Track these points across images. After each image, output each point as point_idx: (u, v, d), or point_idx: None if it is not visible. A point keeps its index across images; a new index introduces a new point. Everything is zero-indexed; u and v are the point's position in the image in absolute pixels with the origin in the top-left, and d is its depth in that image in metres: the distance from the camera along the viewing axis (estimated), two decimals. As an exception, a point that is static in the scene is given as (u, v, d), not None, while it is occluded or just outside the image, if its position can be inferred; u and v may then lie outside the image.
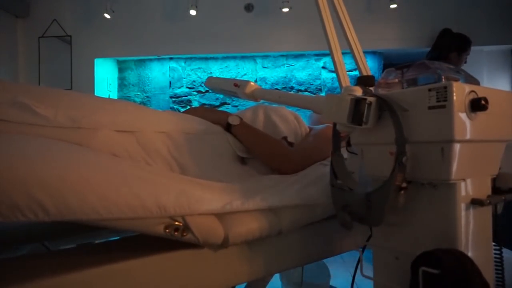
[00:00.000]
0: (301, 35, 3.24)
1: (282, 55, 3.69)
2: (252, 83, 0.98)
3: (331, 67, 3.38)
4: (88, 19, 3.70)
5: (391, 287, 0.63)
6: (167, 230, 0.59)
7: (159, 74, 3.94)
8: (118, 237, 0.89)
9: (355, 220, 0.62)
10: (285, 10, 3.25)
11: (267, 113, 1.09)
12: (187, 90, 3.92)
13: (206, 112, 1.05)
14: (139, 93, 3.98)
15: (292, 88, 3.69)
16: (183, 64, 3.91)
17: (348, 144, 0.81)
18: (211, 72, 3.85)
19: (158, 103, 3.91)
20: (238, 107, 3.76)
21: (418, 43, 3.40)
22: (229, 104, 3.85)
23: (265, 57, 3.76)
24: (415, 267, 0.54)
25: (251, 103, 1.08)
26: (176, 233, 0.59)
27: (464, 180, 0.56)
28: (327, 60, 3.51)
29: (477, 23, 3.37)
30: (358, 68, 0.73)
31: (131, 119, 0.82)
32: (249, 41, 3.53)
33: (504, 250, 0.65)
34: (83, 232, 0.88)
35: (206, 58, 3.85)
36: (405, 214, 0.61)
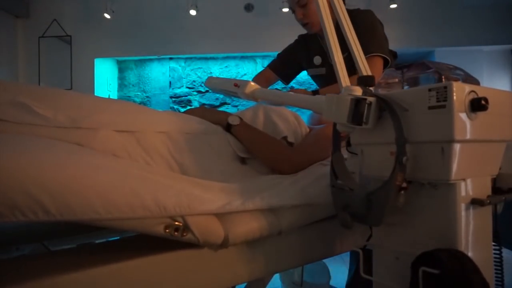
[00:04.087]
0: (301, 35, 3.24)
1: (282, 55, 3.68)
2: (252, 83, 0.98)
3: (331, 67, 3.37)
4: (88, 19, 3.70)
5: (391, 287, 0.63)
6: (167, 230, 0.59)
7: (159, 74, 3.94)
8: (118, 237, 0.89)
9: (356, 220, 0.62)
10: (285, 10, 3.25)
11: (267, 113, 1.09)
12: (187, 90, 3.92)
13: (205, 112, 1.05)
14: (139, 93, 3.98)
15: (292, 88, 3.68)
16: (183, 64, 3.91)
17: (348, 144, 0.81)
18: (211, 72, 3.85)
19: (158, 103, 3.91)
20: (238, 107, 3.76)
21: (418, 43, 3.40)
22: (229, 104, 3.85)
23: (265, 57, 3.75)
24: (415, 267, 0.54)
25: (251, 103, 1.08)
26: (176, 233, 0.59)
27: (464, 180, 0.56)
28: (327, 60, 3.50)
29: (477, 23, 3.36)
30: (358, 68, 0.73)
31: (131, 119, 0.82)
32: (249, 41, 3.53)
33: (504, 250, 0.65)
34: (83, 232, 0.88)
35: (206, 58, 3.85)
36: (405, 214, 0.61)
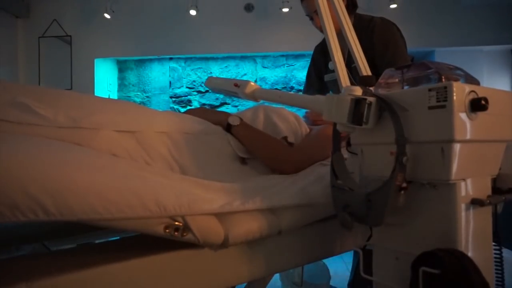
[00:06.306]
0: (301, 35, 3.24)
1: (282, 55, 3.69)
2: (252, 83, 0.98)
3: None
4: (88, 19, 3.70)
5: (391, 287, 0.63)
6: (167, 230, 0.59)
7: (159, 74, 3.94)
8: (118, 237, 0.89)
9: (356, 220, 0.62)
10: (285, 10, 3.25)
11: (267, 113, 1.09)
12: (187, 90, 3.92)
13: (206, 112, 1.05)
14: (139, 93, 3.98)
15: (292, 88, 3.69)
16: (183, 64, 3.91)
17: (348, 144, 0.81)
18: (211, 72, 3.85)
19: (158, 103, 3.91)
20: (238, 107, 3.76)
21: (418, 43, 3.40)
22: (229, 104, 3.85)
23: (265, 57, 3.76)
24: (415, 267, 0.54)
25: (251, 103, 1.08)
26: (176, 233, 0.59)
27: (464, 180, 0.56)
28: (327, 60, 3.51)
29: (477, 23, 3.36)
30: (358, 68, 0.73)
31: (131, 119, 0.82)
32: (249, 41, 3.53)
33: (504, 250, 0.65)
34: (83, 232, 0.88)
35: (206, 58, 3.85)
36: (405, 214, 0.61)
